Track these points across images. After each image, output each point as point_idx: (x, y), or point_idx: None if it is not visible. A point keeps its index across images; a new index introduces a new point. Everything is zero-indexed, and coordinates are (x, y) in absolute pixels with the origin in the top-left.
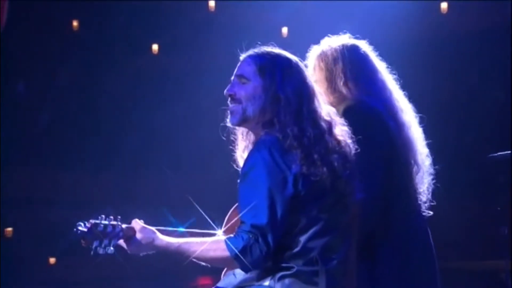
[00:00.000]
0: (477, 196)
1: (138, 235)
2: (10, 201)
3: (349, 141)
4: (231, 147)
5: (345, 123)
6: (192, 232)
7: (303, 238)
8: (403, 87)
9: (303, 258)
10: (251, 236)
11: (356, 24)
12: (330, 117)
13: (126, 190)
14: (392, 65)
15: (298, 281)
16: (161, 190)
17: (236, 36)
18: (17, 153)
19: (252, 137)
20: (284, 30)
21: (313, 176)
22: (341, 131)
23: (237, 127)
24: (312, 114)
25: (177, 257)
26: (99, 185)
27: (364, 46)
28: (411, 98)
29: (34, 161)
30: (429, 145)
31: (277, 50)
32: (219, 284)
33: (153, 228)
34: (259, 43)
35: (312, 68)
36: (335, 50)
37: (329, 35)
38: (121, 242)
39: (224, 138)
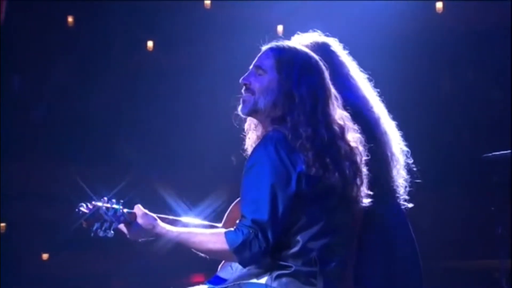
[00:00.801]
0: (472, 195)
1: (139, 220)
2: (3, 196)
3: (361, 148)
4: (242, 135)
5: (358, 129)
6: (191, 223)
7: (302, 238)
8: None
9: (302, 258)
10: (251, 231)
11: (351, 23)
12: (344, 121)
13: (122, 185)
14: (388, 64)
15: (295, 280)
16: (157, 185)
17: (231, 33)
18: (11, 148)
19: (260, 130)
20: (280, 28)
21: (324, 179)
22: (354, 137)
23: (248, 118)
24: (326, 117)
25: (176, 245)
26: (94, 180)
27: (334, 43)
28: (407, 97)
29: (28, 156)
30: (424, 144)
31: (300, 47)
32: (215, 278)
33: (154, 215)
34: (282, 37)
35: None
36: (308, 48)
37: (298, 32)
38: (122, 226)
39: (236, 126)
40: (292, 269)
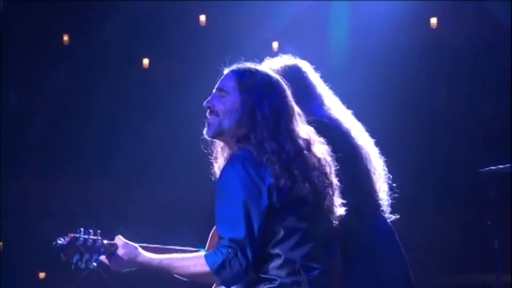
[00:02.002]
0: (468, 210)
1: (120, 251)
2: (1, 214)
3: (329, 159)
4: (210, 159)
5: (325, 142)
6: (173, 249)
7: (283, 249)
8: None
9: (286, 269)
10: (230, 250)
11: (347, 39)
12: (309, 136)
13: (118, 201)
14: (384, 78)
15: None
16: (154, 201)
17: (227, 49)
18: (8, 165)
19: (226, 151)
20: (275, 44)
21: (295, 190)
22: (321, 149)
23: (215, 140)
24: (290, 132)
25: (159, 273)
26: (90, 197)
27: (305, 65)
28: (403, 110)
29: (25, 173)
30: (421, 157)
31: (260, 67)
32: None
33: (136, 244)
34: (242, 58)
35: None
36: (279, 72)
37: (268, 57)
38: (103, 258)
39: (205, 151)
40: (277, 282)
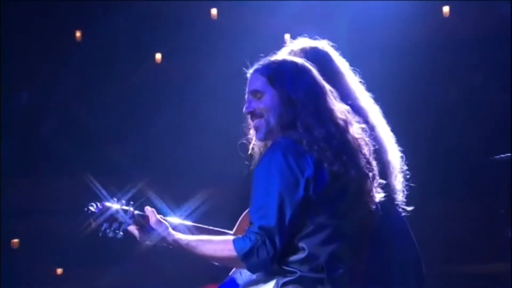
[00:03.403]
0: (479, 199)
1: (154, 226)
2: (15, 212)
3: (367, 139)
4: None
5: (361, 120)
6: (200, 227)
7: (308, 244)
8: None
9: (309, 264)
10: (258, 237)
11: (357, 29)
12: (345, 115)
13: (129, 197)
14: (393, 68)
15: (301, 287)
16: (165, 196)
17: (238, 42)
18: (21, 164)
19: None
20: (287, 36)
21: (327, 182)
22: (358, 128)
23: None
24: (330, 112)
25: (185, 253)
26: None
27: (326, 47)
28: (412, 101)
29: (39, 170)
30: (431, 148)
31: (281, 57)
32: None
33: (167, 223)
34: (262, 55)
35: None
36: (302, 55)
37: (290, 39)
38: (132, 228)
39: (242, 155)
40: (297, 274)
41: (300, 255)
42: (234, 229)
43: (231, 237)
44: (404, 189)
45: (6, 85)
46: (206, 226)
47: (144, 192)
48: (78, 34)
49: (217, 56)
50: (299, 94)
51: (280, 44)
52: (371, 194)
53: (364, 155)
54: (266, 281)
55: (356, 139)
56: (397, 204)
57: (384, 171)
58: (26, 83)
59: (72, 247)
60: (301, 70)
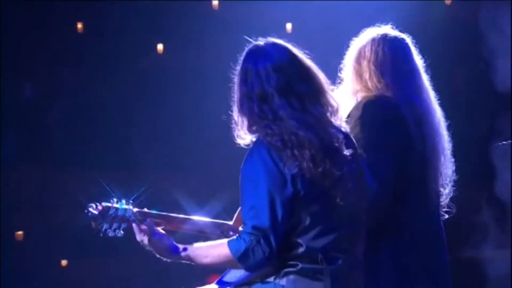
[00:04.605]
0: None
1: (157, 241)
2: (19, 204)
3: (345, 125)
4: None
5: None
6: (190, 219)
7: (305, 239)
8: None
9: (308, 258)
10: (252, 238)
11: (361, 19)
12: (329, 104)
13: (132, 189)
14: None
15: (303, 277)
16: (167, 188)
17: (240, 33)
18: (25, 155)
19: None
20: (288, 26)
21: (313, 174)
22: (339, 116)
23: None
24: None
25: (184, 261)
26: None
27: (404, 41)
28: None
29: (42, 162)
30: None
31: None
32: (225, 279)
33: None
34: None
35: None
36: (370, 41)
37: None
38: (134, 226)
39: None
40: (299, 267)
41: (299, 250)
42: (234, 219)
43: (225, 240)
44: (448, 196)
45: (8, 76)
46: (202, 218)
47: (146, 186)
48: (79, 25)
49: (221, 47)
50: (266, 88)
51: (283, 34)
52: (358, 191)
53: (341, 149)
54: (267, 274)
55: (336, 130)
56: (436, 206)
57: (427, 171)
58: (29, 74)
59: (77, 239)
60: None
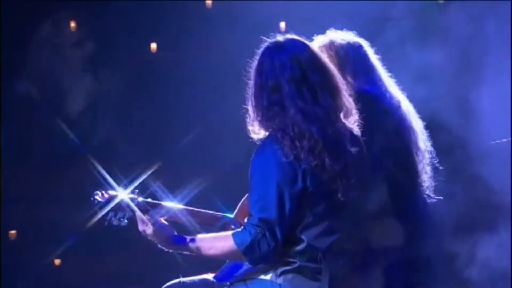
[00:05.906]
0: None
1: (158, 230)
2: (13, 201)
3: (357, 129)
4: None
5: (356, 109)
6: (192, 210)
7: (308, 236)
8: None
9: (307, 255)
10: (258, 230)
11: (354, 18)
12: (347, 103)
13: (132, 183)
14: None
15: (300, 276)
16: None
17: (234, 32)
18: (17, 153)
19: None
20: (282, 24)
21: (326, 172)
22: (353, 119)
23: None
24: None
25: (191, 253)
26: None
27: (362, 42)
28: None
29: (33, 160)
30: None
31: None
32: (221, 274)
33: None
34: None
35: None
36: (344, 44)
37: (331, 29)
38: (138, 216)
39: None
40: (296, 264)
41: (299, 247)
42: (236, 211)
43: (230, 232)
44: (431, 180)
45: (5, 72)
46: (202, 210)
47: (145, 179)
48: (72, 24)
49: (215, 46)
50: (280, 81)
51: (276, 32)
52: (365, 188)
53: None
54: (265, 270)
55: (349, 129)
56: (423, 192)
57: (412, 157)
58: (25, 70)
59: (71, 237)
60: (277, 56)
